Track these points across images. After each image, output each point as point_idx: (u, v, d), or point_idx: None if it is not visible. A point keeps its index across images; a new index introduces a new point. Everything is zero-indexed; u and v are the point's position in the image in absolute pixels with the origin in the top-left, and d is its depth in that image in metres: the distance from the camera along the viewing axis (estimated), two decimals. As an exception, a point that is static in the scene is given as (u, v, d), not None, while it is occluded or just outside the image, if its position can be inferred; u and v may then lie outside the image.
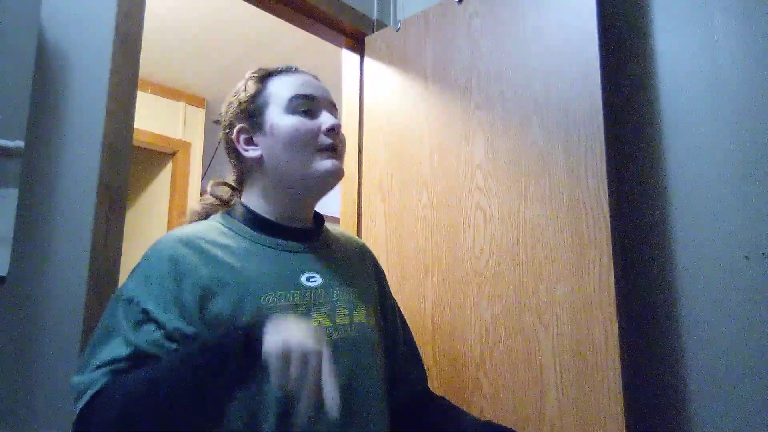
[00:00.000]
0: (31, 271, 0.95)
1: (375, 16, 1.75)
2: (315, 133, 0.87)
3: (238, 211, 0.90)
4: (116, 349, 0.73)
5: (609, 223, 1.07)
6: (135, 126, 1.13)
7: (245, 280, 0.80)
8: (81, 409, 0.71)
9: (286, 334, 0.64)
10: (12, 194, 0.90)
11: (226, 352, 0.67)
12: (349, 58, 1.74)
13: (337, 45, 1.75)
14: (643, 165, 1.21)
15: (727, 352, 1.06)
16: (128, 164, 1.10)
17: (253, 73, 0.93)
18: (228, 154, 0.94)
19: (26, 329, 0.94)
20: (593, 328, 1.06)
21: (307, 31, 1.69)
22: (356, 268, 0.97)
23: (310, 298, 0.84)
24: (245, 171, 0.92)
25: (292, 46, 2.65)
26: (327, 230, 0.98)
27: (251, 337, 0.66)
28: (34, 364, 0.93)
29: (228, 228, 0.87)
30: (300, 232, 0.91)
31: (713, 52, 1.15)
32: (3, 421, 0.89)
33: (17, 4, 0.95)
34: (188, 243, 0.81)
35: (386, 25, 1.74)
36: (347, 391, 0.80)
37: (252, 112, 0.90)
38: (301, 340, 0.64)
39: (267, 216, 0.89)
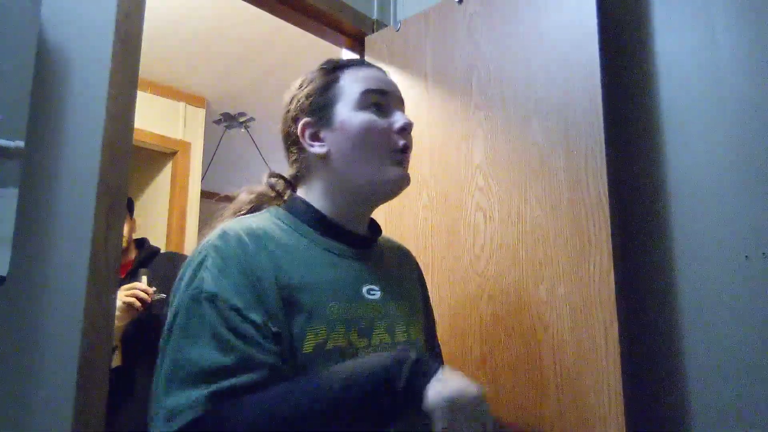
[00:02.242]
0: (31, 271, 0.95)
1: (375, 16, 1.75)
2: (387, 133, 0.83)
3: (298, 207, 0.85)
4: (213, 354, 0.65)
5: (609, 223, 1.07)
6: (135, 126, 1.13)
7: (310, 285, 0.76)
8: None
9: (456, 389, 0.62)
10: (12, 194, 0.90)
11: (391, 384, 0.63)
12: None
13: (337, 45, 1.75)
14: (643, 165, 1.21)
15: (727, 352, 1.06)
16: (128, 164, 1.10)
17: (322, 65, 0.89)
18: (288, 148, 0.89)
19: (26, 329, 0.93)
20: (593, 328, 1.06)
21: (307, 31, 1.69)
22: (406, 279, 0.96)
23: (371, 312, 0.81)
24: (307, 167, 0.87)
25: (292, 46, 2.65)
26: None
27: (415, 376, 0.64)
28: (33, 364, 0.93)
29: (287, 225, 0.82)
30: (358, 238, 0.87)
31: (713, 52, 1.15)
32: (3, 421, 0.89)
33: (17, 4, 0.95)
34: (257, 239, 0.76)
35: (386, 25, 1.74)
36: None
37: (320, 106, 0.85)
38: (472, 401, 0.62)
39: (328, 216, 0.84)
